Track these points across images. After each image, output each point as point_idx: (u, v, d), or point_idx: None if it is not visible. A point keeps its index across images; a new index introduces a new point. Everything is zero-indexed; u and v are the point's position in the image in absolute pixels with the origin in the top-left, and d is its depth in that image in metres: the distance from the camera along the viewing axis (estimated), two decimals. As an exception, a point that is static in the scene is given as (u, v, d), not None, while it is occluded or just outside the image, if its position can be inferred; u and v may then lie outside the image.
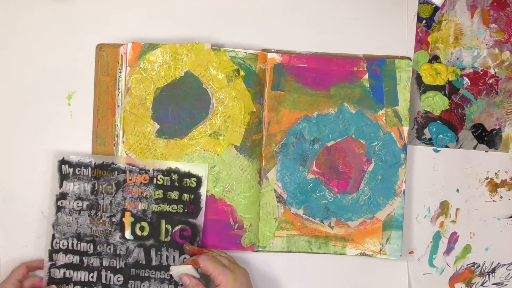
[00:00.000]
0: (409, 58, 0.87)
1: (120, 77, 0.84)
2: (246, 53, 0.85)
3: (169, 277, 0.82)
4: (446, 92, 0.89)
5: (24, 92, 0.85)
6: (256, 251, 0.86)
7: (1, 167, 0.85)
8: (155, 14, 0.86)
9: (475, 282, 0.90)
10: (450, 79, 0.89)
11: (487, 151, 0.89)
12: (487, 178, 0.89)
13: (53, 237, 0.83)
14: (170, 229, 0.83)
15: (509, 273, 0.90)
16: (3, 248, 0.84)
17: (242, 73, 0.85)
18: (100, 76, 0.85)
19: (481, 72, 0.89)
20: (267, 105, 0.86)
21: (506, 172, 0.89)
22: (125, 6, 0.86)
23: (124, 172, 0.83)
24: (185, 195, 0.84)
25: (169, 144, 0.84)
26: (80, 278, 0.82)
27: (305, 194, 0.86)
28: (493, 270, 0.90)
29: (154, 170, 0.83)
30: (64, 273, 0.83)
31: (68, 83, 0.85)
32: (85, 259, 0.83)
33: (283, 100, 0.86)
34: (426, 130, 0.89)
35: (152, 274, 0.83)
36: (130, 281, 0.82)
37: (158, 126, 0.84)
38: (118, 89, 0.84)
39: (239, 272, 0.80)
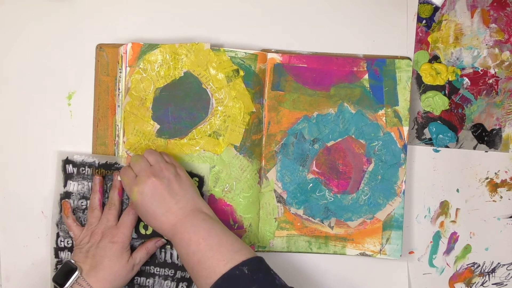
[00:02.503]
0: (409, 58, 0.90)
1: (120, 77, 0.87)
2: (245, 53, 0.88)
3: (172, 274, 0.86)
4: (446, 92, 0.91)
5: (24, 92, 0.88)
6: (256, 251, 0.87)
7: (1, 167, 0.88)
8: (155, 14, 0.89)
9: (475, 282, 0.92)
10: (450, 79, 0.91)
11: (487, 151, 0.92)
12: (487, 178, 0.92)
13: (58, 235, 0.86)
14: None
15: (509, 273, 0.93)
16: (3, 248, 0.87)
17: (241, 73, 0.87)
18: (100, 76, 0.88)
19: (481, 72, 0.92)
20: (267, 105, 0.88)
21: (506, 172, 0.92)
22: (125, 6, 0.89)
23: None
24: (188, 194, 0.86)
25: (169, 144, 0.87)
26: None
27: (305, 194, 0.89)
28: (493, 270, 0.92)
29: (156, 169, 0.86)
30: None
31: (68, 83, 0.88)
32: None
33: (283, 100, 0.89)
34: (426, 130, 0.91)
35: (156, 271, 0.86)
36: (136, 277, 0.85)
37: (158, 126, 0.87)
38: (118, 89, 0.87)
39: (143, 183, 0.78)
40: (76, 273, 0.78)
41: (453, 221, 0.92)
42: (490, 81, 0.92)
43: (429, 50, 0.91)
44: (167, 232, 0.78)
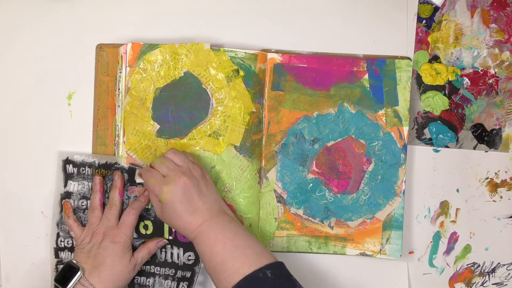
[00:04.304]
0: (409, 58, 0.91)
1: (120, 77, 0.88)
2: (245, 53, 0.88)
3: (173, 274, 0.87)
4: (446, 92, 0.92)
5: (24, 92, 0.89)
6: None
7: (1, 167, 0.88)
8: (155, 14, 0.90)
9: (475, 282, 0.93)
10: (450, 79, 0.92)
11: (487, 151, 0.93)
12: (487, 178, 0.93)
13: (58, 235, 0.87)
14: None
15: (509, 273, 0.93)
16: (3, 248, 0.88)
17: (241, 73, 0.88)
18: (100, 76, 0.89)
19: (481, 72, 0.92)
20: (267, 105, 0.89)
21: (506, 172, 0.93)
22: (125, 6, 0.89)
23: (127, 171, 0.87)
24: (188, 194, 0.87)
25: (169, 144, 0.88)
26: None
27: (305, 194, 0.90)
28: (493, 270, 0.93)
29: (157, 169, 0.87)
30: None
31: (68, 83, 0.89)
32: None
33: (283, 100, 0.89)
34: (426, 130, 0.92)
35: (157, 271, 0.87)
36: (136, 277, 0.86)
37: (158, 126, 0.88)
38: (118, 89, 0.88)
39: (175, 182, 0.78)
40: (79, 273, 0.79)
41: (453, 221, 0.93)
42: (490, 81, 0.92)
43: (429, 50, 0.92)
44: (191, 232, 0.79)
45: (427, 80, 0.92)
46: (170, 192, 0.78)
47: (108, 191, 0.86)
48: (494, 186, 0.93)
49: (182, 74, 0.88)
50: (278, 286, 0.73)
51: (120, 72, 0.87)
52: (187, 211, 0.78)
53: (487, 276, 0.93)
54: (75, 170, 0.87)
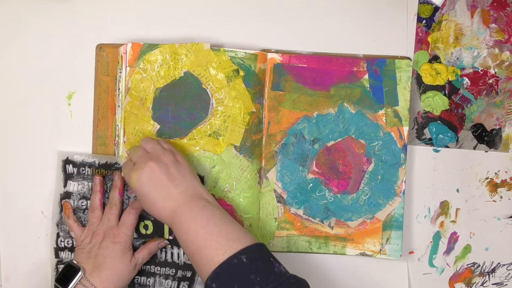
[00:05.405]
0: (409, 58, 0.91)
1: (120, 77, 0.88)
2: (245, 53, 0.88)
3: (173, 274, 0.87)
4: (446, 92, 0.92)
5: (24, 92, 0.89)
6: (256, 251, 0.89)
7: (1, 167, 0.89)
8: (155, 14, 0.90)
9: (475, 282, 0.93)
10: (450, 79, 0.92)
11: (487, 151, 0.93)
12: (487, 178, 0.93)
13: (58, 235, 0.87)
14: None
15: (509, 273, 0.94)
16: (3, 248, 0.88)
17: (241, 73, 0.88)
18: (100, 76, 0.89)
19: (481, 72, 0.93)
20: (267, 105, 0.89)
21: (506, 172, 0.93)
22: (125, 6, 0.90)
23: (127, 171, 0.87)
24: (188, 193, 0.87)
25: (169, 144, 0.88)
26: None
27: (305, 194, 0.90)
28: (493, 270, 0.93)
29: (157, 169, 0.87)
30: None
31: (68, 83, 0.89)
32: None
33: (283, 100, 0.90)
34: (426, 130, 0.92)
35: (157, 271, 0.87)
36: (136, 277, 0.86)
37: (158, 126, 0.88)
38: (118, 89, 0.88)
39: (141, 168, 0.78)
40: (80, 273, 0.79)
41: (453, 221, 0.93)
42: (490, 81, 0.93)
43: (429, 50, 0.92)
44: (166, 218, 0.78)
45: (427, 80, 0.92)
46: (137, 178, 0.78)
47: (108, 191, 0.87)
48: (494, 186, 0.93)
49: (182, 74, 0.88)
50: (255, 271, 0.72)
51: (120, 72, 0.88)
52: (159, 197, 0.78)
53: (487, 276, 0.93)
54: (75, 170, 0.87)
